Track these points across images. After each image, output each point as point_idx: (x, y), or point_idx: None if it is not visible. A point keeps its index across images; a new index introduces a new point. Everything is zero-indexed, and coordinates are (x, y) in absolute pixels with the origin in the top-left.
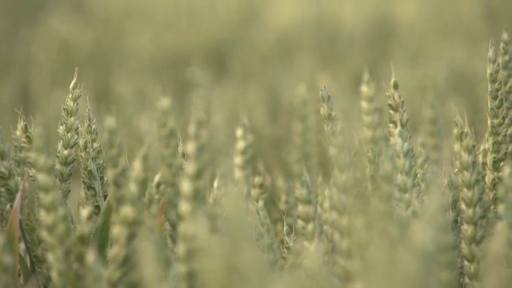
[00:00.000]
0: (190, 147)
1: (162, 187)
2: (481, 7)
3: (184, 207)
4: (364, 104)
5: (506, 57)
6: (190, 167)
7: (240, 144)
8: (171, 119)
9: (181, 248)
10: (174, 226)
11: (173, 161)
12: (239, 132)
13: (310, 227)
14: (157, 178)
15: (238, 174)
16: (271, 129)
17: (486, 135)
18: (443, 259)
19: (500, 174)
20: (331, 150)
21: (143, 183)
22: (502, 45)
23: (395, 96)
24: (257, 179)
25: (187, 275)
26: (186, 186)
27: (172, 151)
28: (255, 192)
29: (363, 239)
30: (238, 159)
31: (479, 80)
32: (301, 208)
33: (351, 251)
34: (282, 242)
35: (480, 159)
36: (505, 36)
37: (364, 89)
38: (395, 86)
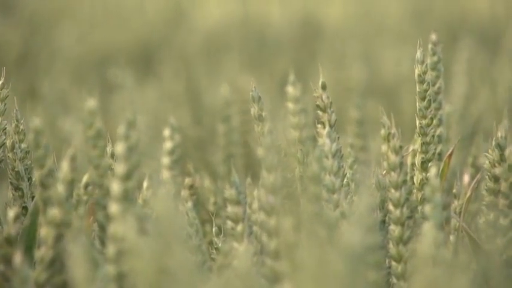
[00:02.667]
0: (120, 147)
1: (90, 188)
2: (409, 8)
3: (114, 208)
4: (290, 105)
5: (435, 58)
6: (120, 168)
7: (168, 145)
8: (98, 120)
9: (110, 249)
10: (102, 227)
11: (101, 161)
12: (166, 132)
13: (239, 227)
14: (85, 179)
15: (166, 174)
16: (197, 130)
17: (415, 135)
18: (371, 259)
19: (428, 174)
20: (260, 150)
21: (71, 184)
22: (430, 46)
23: (324, 97)
24: (187, 180)
25: (117, 276)
26: (115, 187)
27: (100, 152)
28: (184, 193)
29: (291, 240)
30: (165, 160)
31: (404, 81)
32: (230, 209)
33: (279, 252)
34: (210, 243)
35: (409, 159)
36: (433, 37)
37: (290, 90)
38: (324, 87)
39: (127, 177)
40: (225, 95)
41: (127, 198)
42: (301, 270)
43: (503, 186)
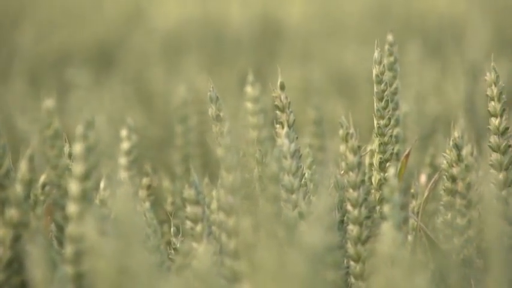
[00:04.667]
0: (78, 147)
1: (47, 188)
2: (370, 7)
3: (72, 208)
4: (249, 105)
5: (391, 59)
6: (78, 168)
7: (125, 145)
8: (56, 120)
9: (69, 250)
10: (60, 227)
11: (59, 162)
12: (124, 132)
13: (198, 227)
14: (42, 179)
15: (123, 175)
16: (155, 131)
17: (372, 135)
18: (329, 259)
19: (386, 174)
20: (219, 151)
21: (29, 184)
22: (387, 46)
23: (282, 97)
24: (145, 180)
25: (75, 276)
26: (74, 187)
27: (58, 152)
28: (142, 193)
29: (250, 240)
30: (123, 160)
31: (363, 81)
32: (189, 209)
33: (238, 252)
34: (168, 243)
35: (367, 159)
36: (389, 37)
37: (249, 90)
38: (282, 87)
39: (85, 177)
40: (183, 95)
41: (85, 198)
42: (260, 270)
43: (460, 186)
